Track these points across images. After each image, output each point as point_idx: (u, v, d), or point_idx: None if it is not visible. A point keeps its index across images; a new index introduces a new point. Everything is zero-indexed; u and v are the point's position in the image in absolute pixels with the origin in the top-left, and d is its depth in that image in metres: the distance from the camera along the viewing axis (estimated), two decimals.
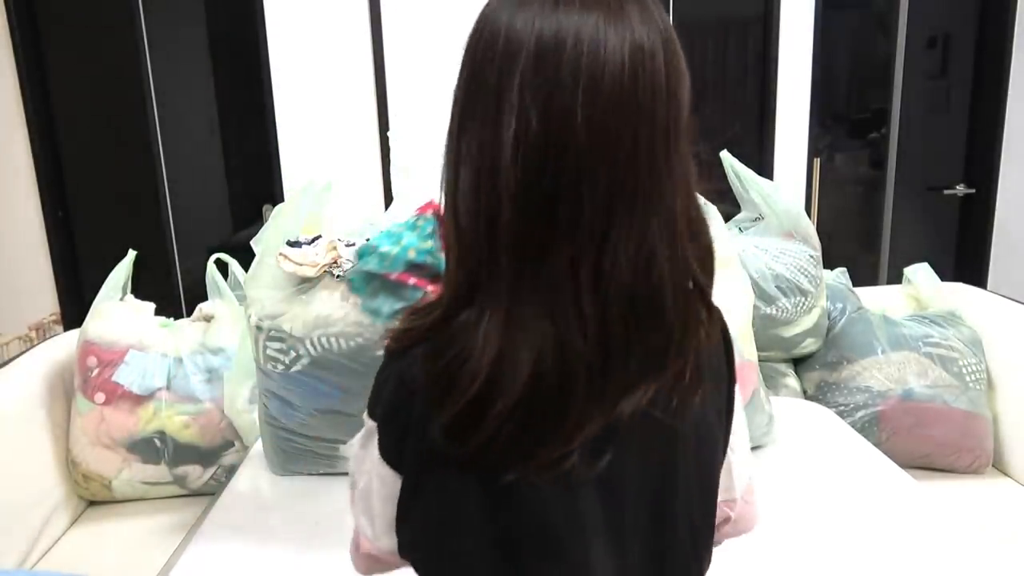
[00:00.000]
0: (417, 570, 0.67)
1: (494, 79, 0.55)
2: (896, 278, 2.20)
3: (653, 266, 0.56)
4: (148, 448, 1.70)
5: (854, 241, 3.40)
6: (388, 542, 0.67)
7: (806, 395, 1.96)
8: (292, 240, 1.36)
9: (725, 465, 0.71)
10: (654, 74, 0.54)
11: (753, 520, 0.79)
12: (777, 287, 1.86)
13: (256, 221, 3.05)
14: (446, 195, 0.59)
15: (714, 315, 0.63)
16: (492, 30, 0.56)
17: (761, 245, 1.91)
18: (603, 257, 0.54)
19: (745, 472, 0.75)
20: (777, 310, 1.87)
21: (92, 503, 1.79)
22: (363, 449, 0.67)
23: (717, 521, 0.73)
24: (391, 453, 0.64)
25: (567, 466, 0.57)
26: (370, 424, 0.66)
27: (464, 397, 0.55)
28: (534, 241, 0.54)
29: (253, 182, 3.15)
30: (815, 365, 1.96)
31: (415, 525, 0.64)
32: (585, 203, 0.54)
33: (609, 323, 0.55)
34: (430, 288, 1.15)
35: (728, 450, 0.71)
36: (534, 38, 0.53)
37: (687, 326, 0.59)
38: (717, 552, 0.74)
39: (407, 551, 0.67)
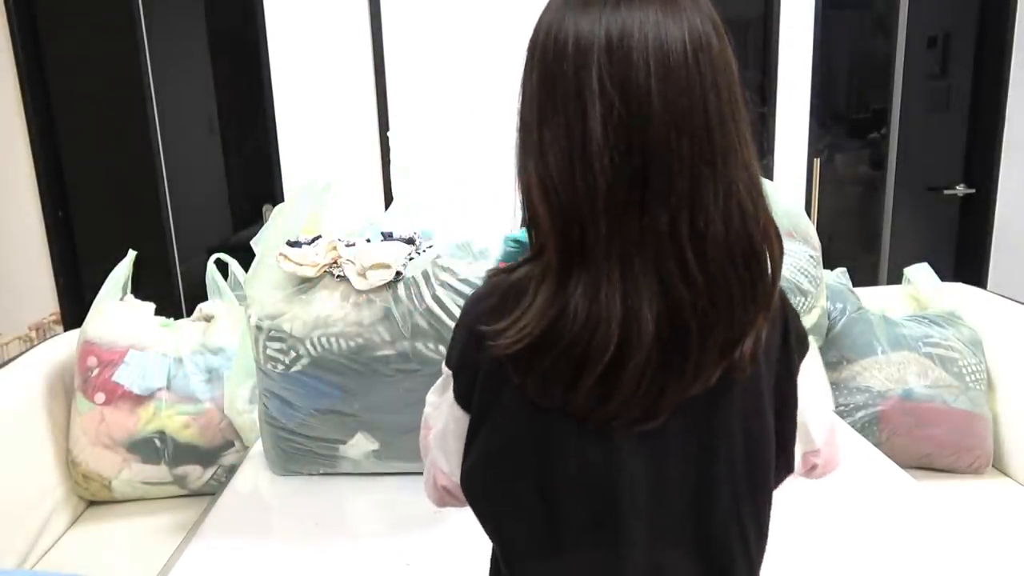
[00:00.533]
0: (473, 507, 0.77)
1: (572, 74, 0.62)
2: (896, 278, 2.20)
3: (743, 220, 0.63)
4: (148, 448, 1.70)
5: (854, 241, 3.40)
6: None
7: None
8: (292, 240, 1.36)
9: (800, 424, 0.77)
10: (711, 53, 0.62)
11: (837, 459, 0.85)
12: None
13: (256, 221, 3.05)
14: (533, 178, 0.66)
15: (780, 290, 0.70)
16: (560, 35, 0.63)
17: None
18: (696, 216, 0.62)
19: (823, 422, 0.81)
20: None
21: (92, 503, 1.79)
22: (439, 396, 0.78)
23: (804, 469, 0.81)
24: (464, 397, 0.74)
25: (654, 420, 0.66)
26: (446, 372, 0.76)
27: (602, 358, 0.62)
28: (633, 208, 0.61)
29: (253, 182, 3.15)
30: None
31: (475, 459, 0.74)
32: (673, 169, 0.61)
33: (712, 275, 0.62)
34: None
35: (799, 411, 0.76)
36: (603, 33, 0.61)
37: (773, 278, 0.66)
38: None
39: (466, 484, 0.75)
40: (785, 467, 0.77)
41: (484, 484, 0.74)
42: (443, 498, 0.84)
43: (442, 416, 0.78)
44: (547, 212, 0.64)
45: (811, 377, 0.78)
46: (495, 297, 0.70)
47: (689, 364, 0.64)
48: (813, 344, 0.79)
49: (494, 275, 0.73)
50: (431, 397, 0.80)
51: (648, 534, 0.70)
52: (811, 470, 0.83)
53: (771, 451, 0.73)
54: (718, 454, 0.70)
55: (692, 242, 0.62)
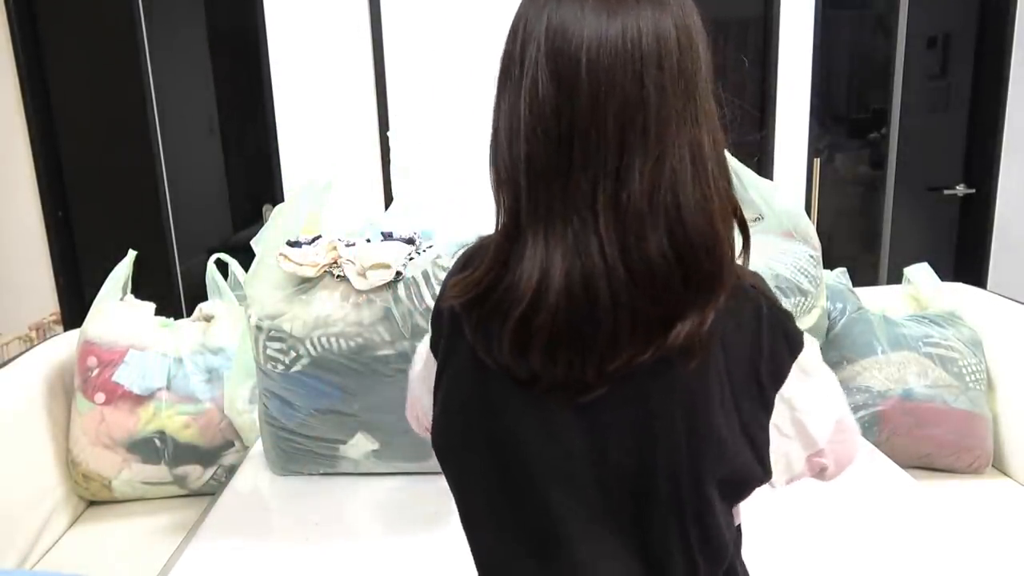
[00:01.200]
0: (442, 467, 0.79)
1: (517, 58, 0.67)
2: (896, 278, 2.20)
3: (676, 197, 0.64)
4: (148, 448, 1.70)
5: (854, 241, 3.40)
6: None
7: None
8: (292, 240, 1.36)
9: (799, 425, 0.75)
10: (659, 29, 0.65)
11: (850, 455, 0.84)
12: (777, 287, 1.86)
13: (256, 221, 3.05)
14: (490, 153, 0.70)
15: (744, 280, 0.70)
16: (515, 24, 0.68)
17: (761, 245, 1.90)
18: (619, 188, 0.64)
19: (826, 421, 0.78)
20: None
21: (92, 503, 1.79)
22: (423, 345, 0.85)
23: (812, 472, 0.79)
24: (434, 345, 0.80)
25: (581, 391, 0.67)
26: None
27: (513, 313, 0.65)
28: (558, 177, 0.65)
29: (253, 182, 3.14)
30: None
31: (437, 413, 0.77)
32: (599, 140, 0.64)
33: (629, 248, 0.63)
34: None
35: (796, 413, 0.74)
36: (546, 20, 0.65)
37: (709, 273, 0.65)
38: None
39: (433, 439, 0.78)
40: (761, 476, 0.73)
41: (443, 441, 0.77)
42: (418, 426, 0.91)
43: (420, 358, 0.86)
44: (495, 181, 0.69)
45: (809, 375, 0.76)
46: (463, 258, 0.76)
47: (601, 334, 0.65)
48: (812, 341, 0.76)
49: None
50: (420, 344, 0.88)
51: (585, 512, 0.70)
52: (821, 472, 0.80)
53: (724, 454, 0.70)
54: (656, 443, 0.68)
55: (610, 211, 0.64)
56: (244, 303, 1.38)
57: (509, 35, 0.69)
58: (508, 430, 0.71)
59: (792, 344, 0.74)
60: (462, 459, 0.76)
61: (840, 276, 2.06)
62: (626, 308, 0.64)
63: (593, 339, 0.65)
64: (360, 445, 1.41)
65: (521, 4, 0.70)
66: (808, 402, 0.76)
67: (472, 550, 0.81)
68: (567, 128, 0.64)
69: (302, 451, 1.43)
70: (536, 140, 0.65)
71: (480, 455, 0.73)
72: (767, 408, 0.73)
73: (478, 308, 0.69)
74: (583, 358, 0.66)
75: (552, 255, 0.64)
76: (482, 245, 0.73)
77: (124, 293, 1.82)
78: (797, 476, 0.78)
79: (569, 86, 0.64)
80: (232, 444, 1.74)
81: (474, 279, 0.69)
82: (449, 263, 1.31)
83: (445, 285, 0.77)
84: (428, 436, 0.82)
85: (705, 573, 0.73)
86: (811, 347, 0.76)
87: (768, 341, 0.71)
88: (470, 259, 0.74)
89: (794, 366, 0.74)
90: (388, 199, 2.88)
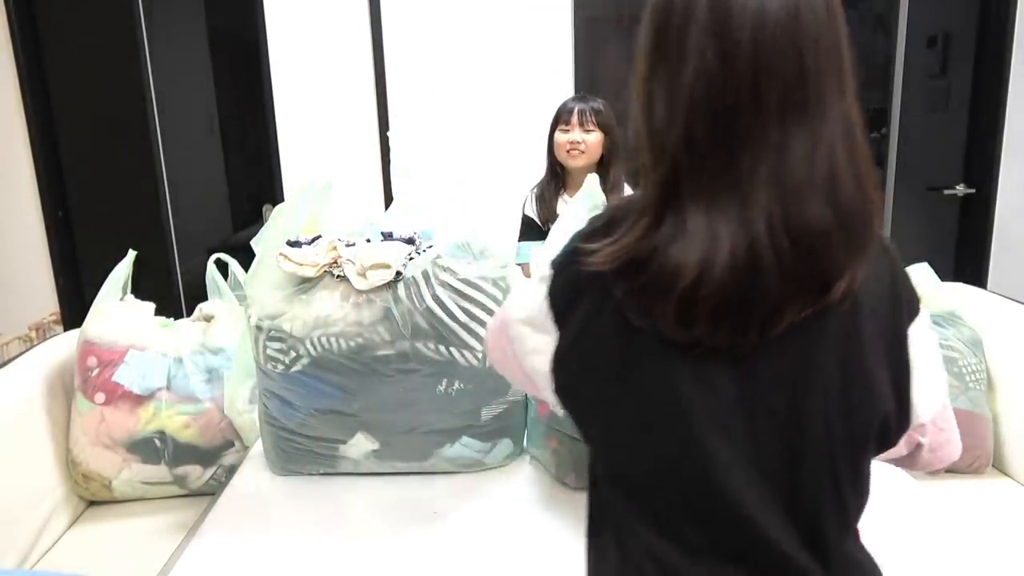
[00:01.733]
0: (566, 407, 0.80)
1: (676, 31, 0.68)
2: None
3: (832, 169, 0.67)
4: (148, 448, 1.70)
5: None
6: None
7: None
8: (292, 240, 1.36)
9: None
10: (812, 2, 0.67)
11: (954, 450, 0.85)
12: None
13: (256, 221, 3.05)
14: (643, 127, 0.71)
15: (883, 242, 0.74)
16: (667, 2, 0.69)
17: None
18: (782, 162, 0.66)
19: (934, 396, 0.78)
20: None
21: (92, 503, 1.79)
22: (535, 289, 0.80)
23: (908, 448, 0.81)
24: (555, 300, 0.78)
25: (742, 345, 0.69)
26: (548, 272, 0.79)
27: (679, 286, 0.66)
28: (722, 152, 0.67)
29: (253, 182, 3.15)
30: None
31: (572, 370, 0.77)
32: (762, 116, 0.66)
33: (793, 218, 0.66)
34: None
35: (909, 375, 0.76)
36: None
37: (863, 236, 0.69)
38: None
39: (565, 400, 0.79)
40: (904, 420, 0.76)
41: (583, 397, 0.78)
42: (499, 370, 0.91)
43: (526, 306, 0.82)
44: (650, 151, 0.71)
45: (921, 344, 0.76)
46: (602, 222, 0.75)
47: (765, 303, 0.67)
48: (925, 312, 0.78)
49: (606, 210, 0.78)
50: (525, 288, 0.84)
51: (740, 461, 0.70)
52: (916, 450, 0.81)
53: (874, 399, 0.72)
54: (809, 392, 0.70)
55: (772, 185, 0.66)
56: (244, 303, 1.38)
57: (660, 12, 0.70)
58: (663, 385, 0.71)
59: (912, 306, 0.77)
60: (610, 415, 0.76)
61: None
62: (790, 277, 0.67)
63: (758, 307, 0.67)
64: (360, 445, 1.41)
65: None
66: (921, 369, 0.76)
67: (606, 499, 0.80)
68: (732, 105, 0.66)
69: (302, 451, 1.43)
70: (699, 116, 0.67)
71: (632, 410, 0.73)
72: (906, 360, 0.75)
73: (631, 276, 0.69)
74: (746, 325, 0.68)
75: (716, 229, 0.66)
76: (623, 211, 0.73)
77: (124, 293, 1.82)
78: (910, 426, 0.78)
79: (734, 63, 0.66)
80: (232, 444, 1.74)
81: (624, 247, 0.69)
82: (449, 263, 1.31)
83: (576, 248, 0.74)
84: (519, 384, 0.88)
85: (852, 524, 0.76)
86: (925, 315, 0.79)
87: (905, 296, 0.76)
88: (611, 224, 0.73)
89: (913, 327, 0.76)
90: (388, 199, 2.88)
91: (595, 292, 0.73)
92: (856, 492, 0.74)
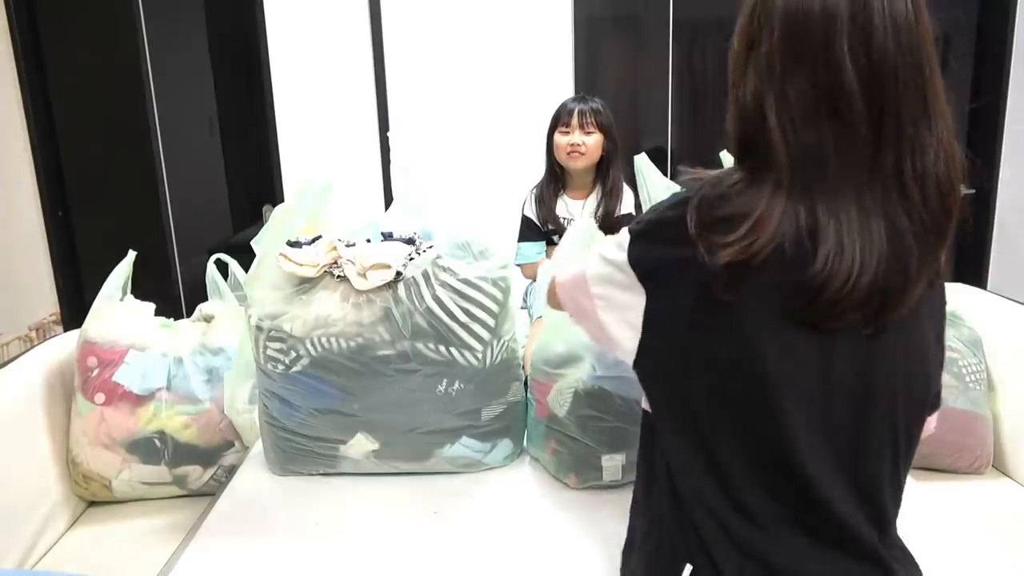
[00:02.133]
0: (644, 369, 0.84)
1: (820, 34, 0.73)
2: None
3: (948, 161, 0.75)
4: (148, 448, 1.70)
5: None
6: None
7: None
8: (292, 240, 1.36)
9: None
10: (921, 15, 0.74)
11: (933, 424, 0.91)
12: None
13: (256, 221, 3.05)
14: (772, 111, 0.74)
15: None
16: (804, 4, 0.73)
17: None
18: (916, 158, 0.73)
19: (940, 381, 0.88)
20: None
21: (92, 503, 1.79)
22: (610, 254, 0.84)
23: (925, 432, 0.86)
24: (642, 265, 0.81)
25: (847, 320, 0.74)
26: (625, 239, 0.82)
27: (837, 284, 0.71)
28: (866, 149, 0.73)
29: (253, 182, 3.15)
30: None
31: (659, 333, 0.80)
32: (902, 117, 0.73)
33: (930, 209, 0.74)
34: None
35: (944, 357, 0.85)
36: (846, 2, 0.72)
37: (955, 213, 0.76)
38: None
39: (645, 350, 0.82)
40: (939, 400, 0.84)
41: (665, 364, 0.80)
42: (573, 301, 0.93)
43: (605, 267, 0.85)
44: (784, 145, 0.74)
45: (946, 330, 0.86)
46: (726, 208, 0.75)
47: (909, 285, 0.74)
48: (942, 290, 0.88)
49: (695, 183, 0.78)
50: (601, 250, 0.86)
51: (813, 426, 0.76)
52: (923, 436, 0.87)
53: (929, 377, 0.81)
54: (877, 367, 0.77)
55: (914, 180, 0.73)
56: (244, 303, 1.38)
57: (792, 17, 0.74)
58: (748, 351, 0.75)
59: (945, 294, 0.87)
60: (690, 378, 0.79)
61: None
62: (926, 266, 0.74)
63: (903, 291, 0.74)
64: (360, 445, 1.41)
65: None
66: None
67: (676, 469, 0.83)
68: (877, 107, 0.72)
69: (302, 451, 1.43)
70: (848, 118, 0.72)
71: (716, 375, 0.77)
72: (943, 344, 0.85)
73: (753, 269, 0.72)
74: (884, 306, 0.74)
75: (869, 228, 0.72)
76: (742, 200, 0.74)
77: (124, 293, 1.82)
78: (937, 410, 0.88)
79: (875, 66, 0.72)
80: (232, 444, 1.75)
81: (758, 245, 0.71)
82: (449, 263, 1.31)
83: (707, 236, 0.74)
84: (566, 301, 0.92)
85: (899, 504, 0.83)
86: (942, 293, 0.88)
87: (942, 286, 0.84)
88: (734, 215, 0.73)
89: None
90: (388, 199, 2.88)
91: (693, 273, 0.75)
92: (906, 469, 0.82)
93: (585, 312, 0.89)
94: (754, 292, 0.73)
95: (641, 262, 0.80)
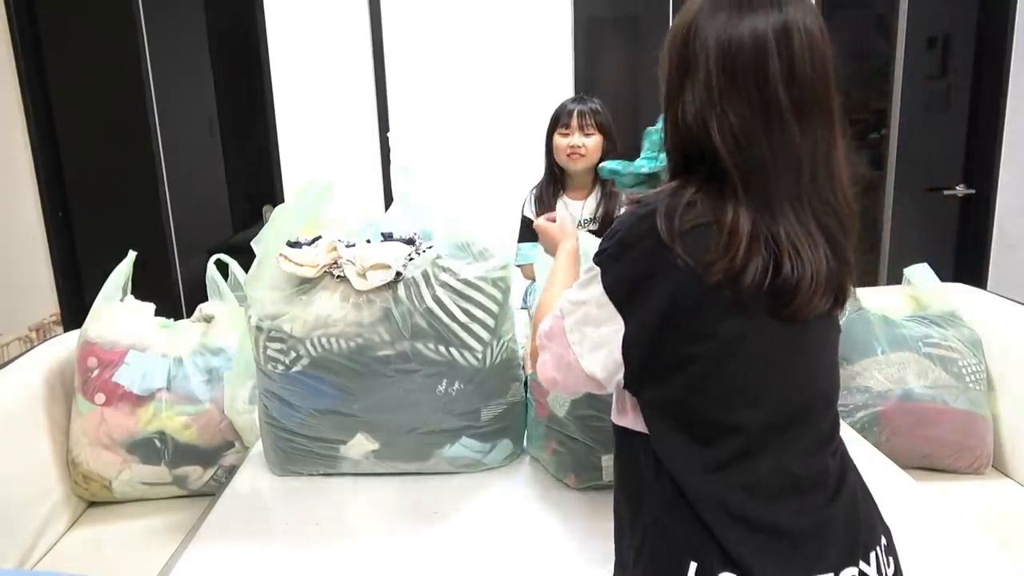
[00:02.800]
0: (641, 381, 0.88)
1: (751, 60, 0.81)
2: (896, 278, 2.20)
3: (847, 171, 0.87)
4: (148, 448, 1.70)
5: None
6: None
7: None
8: (292, 240, 1.36)
9: None
10: (827, 42, 0.85)
11: None
12: None
13: (256, 221, 3.05)
14: (715, 130, 0.82)
15: None
16: (736, 33, 0.82)
17: None
18: (830, 166, 0.85)
19: None
20: None
21: (92, 503, 1.79)
22: (583, 289, 0.90)
23: None
24: (615, 293, 0.86)
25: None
26: (596, 269, 0.88)
27: (793, 283, 0.81)
28: (794, 161, 0.83)
29: (253, 182, 3.15)
30: None
31: (648, 345, 0.86)
32: (820, 133, 0.84)
33: (847, 215, 0.86)
34: None
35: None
36: (772, 30, 0.81)
37: (858, 235, 0.88)
38: None
39: (641, 365, 0.87)
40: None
41: (661, 369, 0.86)
42: (564, 381, 0.96)
43: (582, 307, 0.90)
44: (730, 156, 0.82)
45: None
46: (692, 214, 0.82)
47: (845, 282, 0.87)
48: None
49: (651, 200, 0.85)
50: (571, 294, 0.92)
51: (792, 376, 0.89)
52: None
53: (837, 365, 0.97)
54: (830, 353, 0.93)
55: (829, 184, 0.84)
56: (244, 303, 1.38)
57: (723, 36, 0.82)
58: (726, 346, 0.84)
59: None
60: (693, 368, 0.85)
61: None
62: (850, 262, 0.86)
63: (840, 287, 0.86)
64: (360, 445, 1.41)
65: (712, 10, 0.84)
66: None
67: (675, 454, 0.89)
68: (801, 122, 0.82)
69: (302, 451, 1.43)
70: (779, 133, 0.81)
71: (713, 360, 0.84)
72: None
73: (736, 280, 0.80)
74: (834, 301, 0.86)
75: (808, 224, 0.82)
76: (702, 208, 0.82)
77: (124, 293, 1.82)
78: None
79: (798, 86, 0.81)
80: (232, 444, 1.75)
81: (734, 260, 0.79)
82: (449, 263, 1.31)
83: (683, 260, 0.81)
84: (567, 383, 0.95)
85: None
86: None
87: None
88: (699, 235, 0.81)
89: None
90: (388, 199, 2.88)
91: (673, 277, 0.81)
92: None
93: (570, 364, 0.93)
94: (734, 298, 0.81)
95: (616, 286, 0.86)
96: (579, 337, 0.91)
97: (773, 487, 0.85)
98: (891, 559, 0.92)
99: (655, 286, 0.83)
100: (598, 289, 0.87)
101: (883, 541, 0.92)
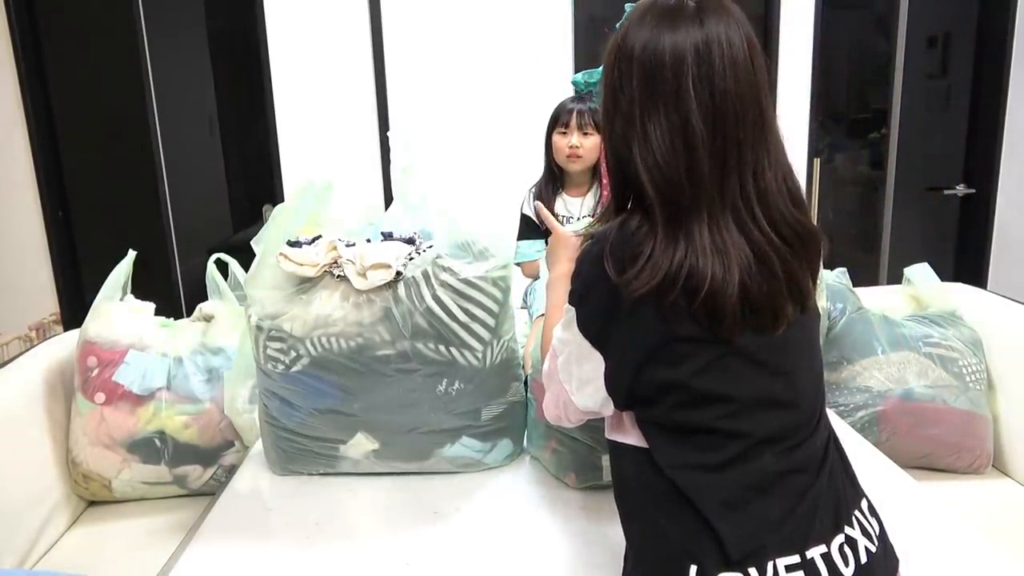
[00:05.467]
0: (628, 404, 0.90)
1: (671, 77, 0.82)
2: (896, 278, 2.20)
3: (786, 181, 0.86)
4: (148, 448, 1.70)
5: (854, 241, 3.40)
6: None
7: None
8: (292, 240, 1.36)
9: None
10: (756, 58, 0.85)
11: None
12: None
13: (256, 221, 3.05)
14: (637, 156, 0.84)
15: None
16: (658, 48, 0.83)
17: None
18: (758, 179, 0.84)
19: None
20: None
21: (92, 503, 1.79)
22: (566, 331, 0.93)
23: None
24: (588, 330, 0.89)
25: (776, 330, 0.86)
26: (571, 310, 0.90)
27: (701, 292, 0.80)
28: (715, 175, 0.83)
29: (253, 182, 3.15)
30: None
31: (631, 374, 0.87)
32: (745, 147, 0.83)
33: (777, 223, 0.84)
34: None
35: None
36: (691, 45, 0.82)
37: (816, 235, 0.88)
38: None
39: (628, 394, 0.89)
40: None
41: (647, 392, 0.87)
42: (564, 416, 0.99)
43: (566, 346, 0.93)
44: (651, 181, 0.83)
45: None
46: (618, 252, 0.83)
47: (779, 298, 0.84)
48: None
49: (601, 235, 0.86)
50: (558, 333, 0.95)
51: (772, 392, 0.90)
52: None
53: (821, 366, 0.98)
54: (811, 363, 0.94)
55: (757, 198, 0.83)
56: (244, 303, 1.38)
57: (644, 52, 0.83)
58: (683, 370, 0.85)
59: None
60: (670, 390, 0.86)
61: (840, 276, 2.06)
62: (789, 275, 0.85)
63: (775, 303, 0.84)
64: (360, 445, 1.41)
65: (637, 29, 0.85)
66: None
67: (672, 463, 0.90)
68: (721, 138, 0.82)
69: (302, 451, 1.43)
70: (698, 151, 0.81)
71: (688, 381, 0.85)
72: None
73: (662, 293, 0.81)
74: (773, 314, 0.85)
75: (724, 243, 0.81)
76: (628, 239, 0.83)
77: (124, 293, 1.82)
78: None
79: (723, 103, 0.81)
80: (232, 444, 1.75)
81: (651, 274, 0.81)
82: (449, 263, 1.31)
83: (611, 281, 0.83)
84: (568, 415, 0.98)
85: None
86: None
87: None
88: (626, 255, 0.83)
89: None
90: (388, 199, 2.88)
91: (634, 309, 0.83)
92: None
93: (566, 402, 0.96)
94: (670, 319, 0.82)
95: (588, 326, 0.88)
96: (568, 375, 0.94)
97: (768, 480, 0.86)
98: (874, 519, 0.95)
99: (617, 328, 0.85)
100: (575, 329, 0.90)
101: (863, 503, 0.95)
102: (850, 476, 0.97)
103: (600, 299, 0.86)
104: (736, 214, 0.83)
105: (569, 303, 0.91)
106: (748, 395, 0.87)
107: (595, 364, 0.89)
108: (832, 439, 0.97)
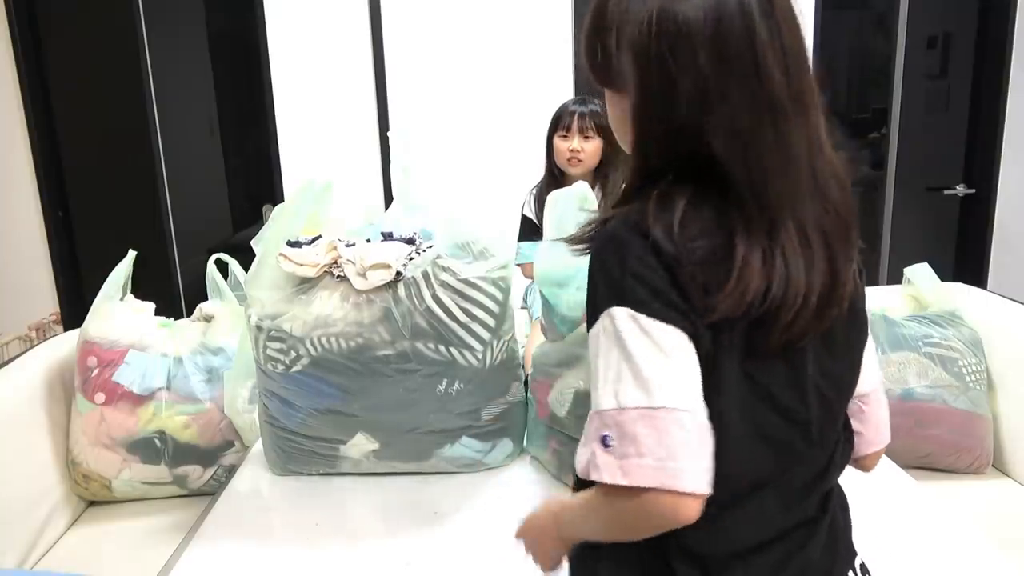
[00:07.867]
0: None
1: (745, 45, 0.69)
2: (896, 278, 2.20)
3: (834, 154, 0.75)
4: (148, 448, 1.70)
5: None
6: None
7: None
8: (292, 240, 1.36)
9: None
10: (797, 11, 0.74)
11: (885, 433, 0.98)
12: None
13: (256, 221, 3.05)
14: (724, 143, 0.69)
15: None
16: (725, 12, 0.69)
17: None
18: (823, 154, 0.73)
19: (874, 369, 0.89)
20: None
21: (92, 503, 1.79)
22: (621, 343, 0.69)
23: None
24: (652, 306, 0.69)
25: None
26: (614, 313, 0.69)
27: (794, 307, 0.69)
28: (801, 152, 0.71)
29: (253, 182, 3.15)
30: None
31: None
32: (811, 115, 0.71)
33: (840, 201, 0.74)
34: None
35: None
36: (756, 2, 0.69)
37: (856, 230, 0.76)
38: None
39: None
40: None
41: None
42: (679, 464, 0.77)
43: (672, 357, 0.75)
44: (733, 160, 0.69)
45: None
46: (706, 257, 0.68)
47: (839, 286, 0.73)
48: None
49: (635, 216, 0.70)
50: (603, 388, 0.72)
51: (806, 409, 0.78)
52: (852, 429, 0.91)
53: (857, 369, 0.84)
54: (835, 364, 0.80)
55: (825, 177, 0.73)
56: (244, 303, 1.38)
57: (716, 35, 0.68)
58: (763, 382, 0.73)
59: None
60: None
61: None
62: (848, 262, 0.75)
63: (831, 306, 0.73)
64: (360, 445, 1.41)
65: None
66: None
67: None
68: (796, 113, 0.70)
69: (302, 451, 1.43)
70: (779, 126, 0.69)
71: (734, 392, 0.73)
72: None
73: (745, 315, 0.68)
74: (826, 314, 0.73)
75: (809, 250, 0.71)
76: (705, 241, 0.68)
77: (124, 293, 1.82)
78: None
79: (791, 69, 0.69)
80: (232, 444, 1.75)
81: (752, 292, 0.67)
82: (449, 263, 1.31)
83: (697, 291, 0.67)
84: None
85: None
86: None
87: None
88: (717, 263, 0.68)
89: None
90: (388, 199, 2.88)
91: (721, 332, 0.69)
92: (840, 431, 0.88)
93: (691, 431, 0.69)
94: (732, 334, 0.69)
95: (648, 304, 0.68)
96: (647, 392, 0.67)
97: (751, 541, 0.76)
98: None
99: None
100: (631, 325, 0.68)
101: (857, 562, 0.87)
102: (848, 528, 0.90)
103: (655, 279, 0.68)
104: (813, 200, 0.71)
105: (616, 304, 0.69)
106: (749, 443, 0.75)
107: (674, 334, 0.67)
108: (835, 490, 0.91)
